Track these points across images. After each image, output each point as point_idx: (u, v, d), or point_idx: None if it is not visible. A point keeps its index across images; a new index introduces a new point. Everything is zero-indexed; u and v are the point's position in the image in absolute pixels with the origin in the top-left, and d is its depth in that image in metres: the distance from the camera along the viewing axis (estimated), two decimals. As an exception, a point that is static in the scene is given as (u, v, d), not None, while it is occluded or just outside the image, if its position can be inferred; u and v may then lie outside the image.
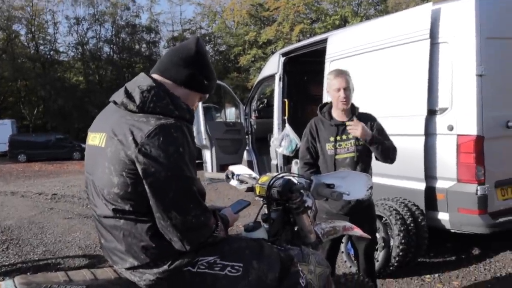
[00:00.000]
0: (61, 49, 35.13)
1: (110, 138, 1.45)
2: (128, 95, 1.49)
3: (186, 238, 1.42)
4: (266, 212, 1.90)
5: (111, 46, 34.72)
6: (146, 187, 1.39)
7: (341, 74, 2.84)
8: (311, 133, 2.93)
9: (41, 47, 34.11)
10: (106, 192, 1.45)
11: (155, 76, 1.58)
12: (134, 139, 1.38)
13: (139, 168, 1.38)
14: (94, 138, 1.56)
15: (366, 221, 2.83)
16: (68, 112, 30.99)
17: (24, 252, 5.02)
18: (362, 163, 2.84)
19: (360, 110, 2.95)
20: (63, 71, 34.58)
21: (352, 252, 3.92)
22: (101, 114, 1.64)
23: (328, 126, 2.89)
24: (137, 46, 35.82)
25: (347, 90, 2.80)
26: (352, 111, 2.91)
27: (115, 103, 1.54)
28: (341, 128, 2.86)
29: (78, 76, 34.99)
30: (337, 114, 2.90)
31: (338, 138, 2.84)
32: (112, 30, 34.46)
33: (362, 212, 2.83)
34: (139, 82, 1.52)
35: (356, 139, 2.81)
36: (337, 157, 2.83)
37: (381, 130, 2.93)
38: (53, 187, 10.72)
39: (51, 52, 34.23)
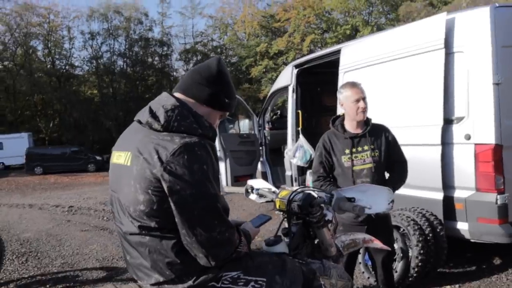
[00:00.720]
0: (76, 63, 35.85)
1: (136, 157, 1.48)
2: (153, 114, 1.52)
3: (211, 254, 1.44)
4: (287, 226, 1.91)
5: (125, 59, 35.24)
6: (171, 204, 1.42)
7: (356, 85, 2.87)
8: (325, 147, 2.93)
9: (57, 62, 34.83)
10: (132, 210, 1.48)
11: (177, 95, 1.61)
12: (159, 158, 1.42)
13: (165, 186, 1.41)
14: (119, 157, 1.59)
15: (383, 231, 2.81)
16: (83, 124, 31.47)
17: (43, 264, 5.09)
18: (379, 173, 2.85)
19: (373, 121, 2.96)
20: (78, 84, 35.19)
21: (369, 263, 3.89)
22: (125, 132, 1.68)
23: (342, 139, 2.90)
24: (149, 59, 36.28)
25: (365, 100, 2.83)
26: (366, 123, 2.92)
27: (139, 122, 1.57)
28: (355, 140, 2.87)
29: (92, 90, 35.55)
30: (351, 126, 2.91)
31: (354, 150, 2.85)
32: (126, 44, 35.01)
33: (378, 222, 2.82)
34: (163, 102, 1.55)
35: (372, 150, 2.83)
36: (354, 168, 2.83)
37: (394, 143, 2.95)
38: (69, 199, 10.85)
39: (67, 67, 34.90)
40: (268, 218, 1.88)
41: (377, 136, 2.90)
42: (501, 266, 4.11)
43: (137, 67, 35.34)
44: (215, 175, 1.48)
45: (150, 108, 1.55)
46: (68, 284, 4.31)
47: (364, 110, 2.82)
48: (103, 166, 23.92)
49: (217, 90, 1.61)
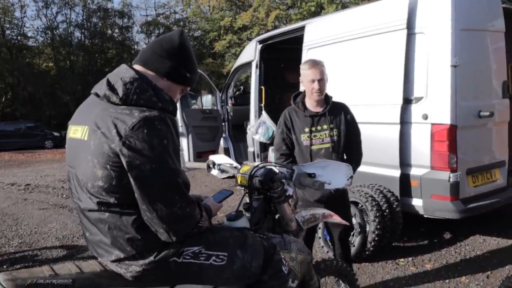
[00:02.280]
0: (29, 34, 33.88)
1: (93, 131, 1.44)
2: (111, 87, 1.47)
3: (172, 230, 1.44)
4: (248, 201, 1.93)
5: (82, 31, 33.62)
6: (131, 179, 1.39)
7: (316, 65, 2.83)
8: (286, 124, 2.94)
9: (8, 32, 32.80)
10: (90, 186, 1.45)
11: (137, 67, 1.56)
12: (118, 132, 1.38)
13: (124, 161, 1.38)
14: (76, 131, 1.54)
15: (341, 207, 2.89)
16: (39, 99, 30.05)
17: (-2, 244, 4.92)
18: (337, 153, 2.89)
19: (334, 100, 2.98)
20: (32, 56, 33.35)
21: (328, 237, 4.02)
22: (82, 106, 1.62)
23: (302, 117, 2.91)
24: (109, 31, 34.79)
25: (322, 81, 2.81)
26: (326, 101, 2.93)
27: (97, 95, 1.52)
28: (315, 119, 2.89)
29: (48, 62, 33.85)
30: (311, 104, 2.92)
31: (313, 129, 2.87)
32: (83, 15, 33.35)
33: (336, 199, 2.90)
34: (122, 74, 1.50)
35: (331, 129, 2.87)
36: (312, 147, 2.86)
37: (353, 122, 2.98)
38: (26, 177, 10.45)
39: (19, 37, 32.97)
40: (230, 193, 1.89)
41: (337, 115, 2.92)
42: (451, 240, 4.35)
43: (96, 39, 33.85)
44: (175, 149, 1.46)
45: (108, 80, 1.50)
46: (26, 264, 4.19)
47: (319, 91, 2.81)
48: (61, 142, 23.05)
49: (178, 63, 1.57)
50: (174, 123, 1.49)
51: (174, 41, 1.57)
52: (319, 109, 2.90)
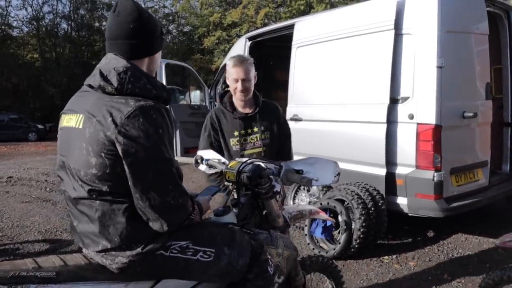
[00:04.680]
0: (14, 24, 33.21)
1: (88, 119, 1.44)
2: (105, 78, 1.47)
3: (165, 219, 1.44)
4: (235, 197, 1.94)
5: (69, 22, 33.10)
6: (125, 167, 1.39)
7: (241, 63, 2.56)
8: (213, 126, 2.65)
9: (-9, 21, 32.13)
10: (83, 173, 1.44)
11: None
12: (113, 120, 1.38)
13: (119, 148, 1.38)
14: (70, 120, 1.53)
15: None
16: (23, 91, 29.53)
17: (-22, 237, 4.83)
18: (269, 158, 2.59)
19: (264, 99, 2.74)
20: (17, 47, 32.75)
21: (315, 234, 4.05)
22: (75, 96, 1.61)
23: (231, 119, 2.65)
24: (97, 24, 34.36)
25: (246, 81, 2.56)
26: (256, 101, 2.69)
27: (91, 86, 1.52)
28: (245, 121, 2.63)
29: (33, 53, 33.27)
30: (240, 105, 2.67)
31: (243, 132, 2.63)
32: (70, 6, 32.84)
33: None
34: (113, 64, 1.50)
35: (262, 132, 2.64)
36: (243, 153, 2.60)
37: (285, 123, 2.80)
38: (8, 169, 10.27)
39: (3, 27, 32.31)
40: (216, 189, 1.89)
41: (268, 116, 2.69)
42: (434, 238, 4.42)
43: (83, 32, 33.40)
44: (170, 139, 1.46)
45: (100, 71, 1.50)
46: (7, 258, 4.12)
47: (242, 91, 2.57)
48: (46, 135, 22.77)
49: (150, 34, 1.57)
50: (168, 113, 1.50)
51: (135, 20, 1.52)
52: (248, 110, 2.66)
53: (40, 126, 23.48)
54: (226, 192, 2.49)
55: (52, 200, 6.53)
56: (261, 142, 2.64)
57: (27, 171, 9.83)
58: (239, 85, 2.56)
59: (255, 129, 2.64)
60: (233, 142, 2.62)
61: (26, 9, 32.70)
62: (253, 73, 2.60)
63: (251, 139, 2.64)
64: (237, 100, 2.66)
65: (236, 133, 2.62)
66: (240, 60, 2.57)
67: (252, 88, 2.63)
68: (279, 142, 2.72)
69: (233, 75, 2.57)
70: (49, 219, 5.50)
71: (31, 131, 22.97)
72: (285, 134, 2.78)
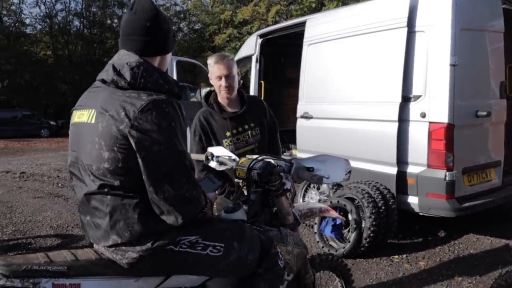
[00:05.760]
0: (27, 21, 33.59)
1: (101, 114, 1.45)
2: (118, 72, 1.48)
3: (179, 212, 1.44)
4: (246, 193, 1.93)
5: (81, 20, 33.40)
6: (139, 160, 1.40)
7: (222, 59, 2.50)
8: (203, 129, 2.56)
9: (5, 19, 32.50)
10: (95, 168, 1.45)
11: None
12: (126, 114, 1.39)
13: (133, 142, 1.39)
14: (81, 115, 1.54)
15: None
16: (36, 87, 29.87)
17: (-8, 231, 4.91)
18: (261, 153, 2.54)
19: (248, 94, 2.71)
20: (30, 44, 33.14)
21: (325, 233, 4.04)
22: (87, 93, 1.63)
23: (220, 120, 2.57)
24: (108, 21, 34.61)
25: (230, 77, 2.50)
26: (241, 98, 2.65)
27: (103, 81, 1.53)
28: (235, 120, 2.57)
29: (45, 51, 33.62)
30: (226, 104, 2.61)
31: (235, 131, 2.56)
32: (82, 3, 33.13)
33: None
34: (126, 59, 1.51)
35: (252, 128, 2.60)
36: (236, 152, 2.45)
37: (271, 116, 2.74)
38: (21, 165, 10.41)
39: (17, 24, 32.69)
40: (217, 185, 1.87)
41: (255, 111, 2.65)
42: (445, 238, 4.37)
43: (95, 29, 33.66)
44: (182, 133, 1.47)
45: (113, 66, 1.51)
46: (20, 252, 4.18)
47: (227, 88, 2.50)
48: (58, 131, 23.03)
49: (164, 34, 1.58)
50: (180, 107, 1.51)
51: (152, 18, 1.54)
52: (236, 108, 2.60)
53: (52, 123, 23.76)
54: (225, 194, 2.49)
55: (64, 196, 6.61)
56: (253, 139, 2.60)
57: (40, 167, 9.95)
58: (223, 82, 2.50)
59: (246, 127, 2.60)
60: (226, 143, 2.54)
61: (39, 7, 33.10)
62: (235, 69, 2.55)
63: (243, 137, 2.59)
64: (223, 99, 2.59)
65: (228, 134, 2.56)
66: (221, 57, 2.53)
67: (236, 85, 2.58)
68: (268, 138, 2.68)
69: (216, 72, 2.52)
70: (61, 214, 5.57)
71: (43, 128, 23.26)
72: (273, 129, 2.74)
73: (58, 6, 32.92)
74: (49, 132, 23.08)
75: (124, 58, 1.52)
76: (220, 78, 2.50)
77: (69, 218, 5.37)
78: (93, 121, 1.47)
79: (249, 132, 2.60)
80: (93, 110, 1.49)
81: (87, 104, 1.56)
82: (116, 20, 34.68)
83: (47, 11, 32.69)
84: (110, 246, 1.49)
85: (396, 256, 3.92)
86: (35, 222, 5.25)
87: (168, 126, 1.41)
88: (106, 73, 1.52)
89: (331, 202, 4.09)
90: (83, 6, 33.23)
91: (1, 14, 31.84)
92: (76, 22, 33.79)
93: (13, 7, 32.66)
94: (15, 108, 25.51)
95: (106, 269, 1.51)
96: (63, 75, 29.79)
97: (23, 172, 9.05)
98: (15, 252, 4.18)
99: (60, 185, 7.59)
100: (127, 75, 1.47)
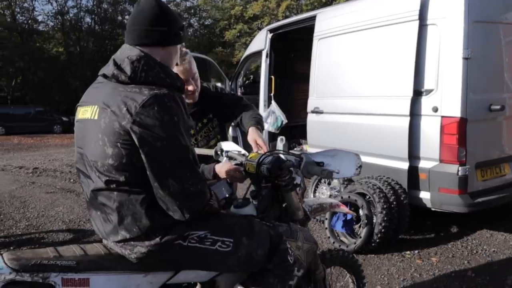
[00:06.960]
0: (39, 18, 33.94)
1: (103, 110, 1.44)
2: (118, 66, 1.48)
3: (185, 206, 1.44)
4: (255, 188, 1.92)
5: (93, 16, 33.64)
6: (142, 156, 1.39)
7: (182, 61, 2.29)
8: None
9: (18, 16, 32.86)
10: (100, 164, 1.45)
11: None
12: (128, 110, 1.38)
13: (135, 138, 1.38)
14: (85, 112, 1.54)
15: None
16: (48, 84, 30.19)
17: (6, 226, 4.97)
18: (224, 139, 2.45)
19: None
20: (42, 41, 33.47)
21: (335, 228, 4.02)
22: (90, 88, 1.62)
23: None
24: (119, 18, 34.79)
25: (193, 78, 2.37)
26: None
27: (105, 76, 1.52)
28: (195, 115, 2.42)
29: (58, 47, 33.94)
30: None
31: (197, 127, 2.46)
32: (94, 0, 33.38)
33: None
34: (127, 53, 1.50)
35: (210, 119, 2.47)
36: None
37: (222, 90, 2.58)
38: (34, 161, 10.54)
39: (29, 21, 33.02)
40: (230, 193, 1.87)
41: (207, 99, 2.47)
42: (458, 234, 4.31)
43: (106, 25, 33.87)
44: (186, 127, 1.46)
45: (114, 61, 1.50)
46: (33, 246, 4.24)
47: (194, 92, 2.36)
48: (70, 127, 23.24)
49: (169, 25, 1.56)
50: (183, 100, 1.49)
51: (154, 8, 1.53)
52: (189, 101, 2.37)
53: (64, 119, 24.00)
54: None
55: (75, 191, 6.67)
56: (213, 132, 2.50)
57: (52, 163, 10.06)
58: (189, 87, 2.32)
59: (204, 120, 2.47)
60: (192, 141, 2.37)
61: (51, 4, 33.29)
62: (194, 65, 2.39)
63: (205, 132, 2.48)
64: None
65: (192, 131, 2.41)
66: (181, 59, 2.25)
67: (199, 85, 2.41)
68: (229, 111, 2.48)
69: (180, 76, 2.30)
70: (73, 209, 5.62)
71: (56, 124, 23.53)
72: (230, 97, 2.53)
73: (70, 3, 33.37)
74: (61, 128, 23.34)
75: (125, 53, 1.52)
76: (186, 81, 2.28)
77: (81, 213, 5.42)
78: (96, 117, 1.47)
79: (209, 124, 2.49)
80: (96, 106, 1.48)
81: (90, 100, 1.55)
82: (127, 17, 34.81)
83: (59, 8, 32.96)
84: (119, 241, 1.50)
85: (408, 252, 3.89)
86: (47, 217, 5.31)
87: (171, 121, 1.40)
88: (107, 68, 1.52)
89: (342, 197, 4.06)
90: (94, 3, 33.45)
91: (15, 11, 32.18)
92: (88, 19, 34.07)
93: (25, 4, 32.97)
94: (28, 105, 25.84)
95: (115, 264, 1.51)
96: (75, 71, 30.05)
97: (36, 168, 9.16)
98: (28, 246, 4.23)
99: (72, 180, 7.67)
100: (128, 69, 1.45)
